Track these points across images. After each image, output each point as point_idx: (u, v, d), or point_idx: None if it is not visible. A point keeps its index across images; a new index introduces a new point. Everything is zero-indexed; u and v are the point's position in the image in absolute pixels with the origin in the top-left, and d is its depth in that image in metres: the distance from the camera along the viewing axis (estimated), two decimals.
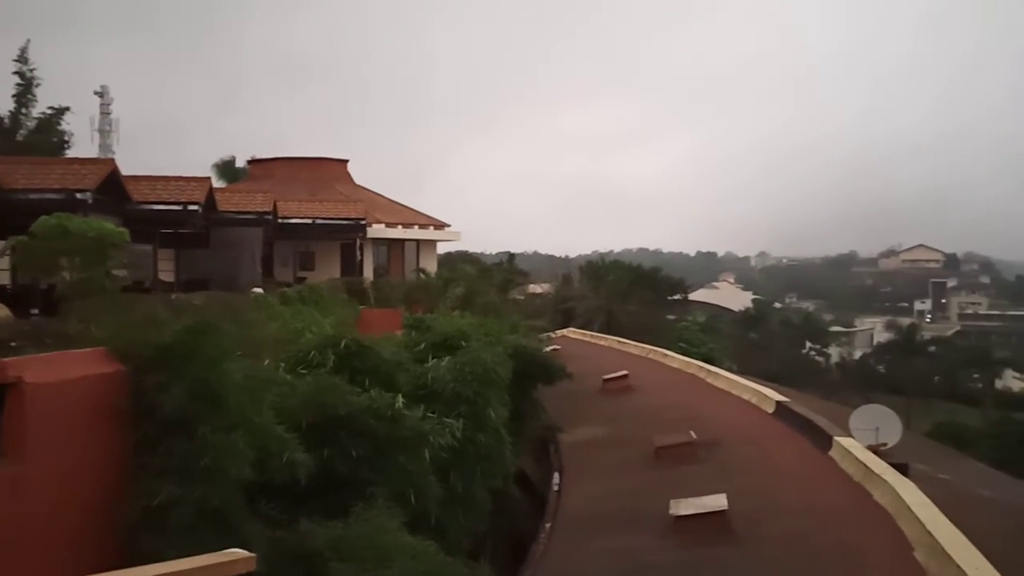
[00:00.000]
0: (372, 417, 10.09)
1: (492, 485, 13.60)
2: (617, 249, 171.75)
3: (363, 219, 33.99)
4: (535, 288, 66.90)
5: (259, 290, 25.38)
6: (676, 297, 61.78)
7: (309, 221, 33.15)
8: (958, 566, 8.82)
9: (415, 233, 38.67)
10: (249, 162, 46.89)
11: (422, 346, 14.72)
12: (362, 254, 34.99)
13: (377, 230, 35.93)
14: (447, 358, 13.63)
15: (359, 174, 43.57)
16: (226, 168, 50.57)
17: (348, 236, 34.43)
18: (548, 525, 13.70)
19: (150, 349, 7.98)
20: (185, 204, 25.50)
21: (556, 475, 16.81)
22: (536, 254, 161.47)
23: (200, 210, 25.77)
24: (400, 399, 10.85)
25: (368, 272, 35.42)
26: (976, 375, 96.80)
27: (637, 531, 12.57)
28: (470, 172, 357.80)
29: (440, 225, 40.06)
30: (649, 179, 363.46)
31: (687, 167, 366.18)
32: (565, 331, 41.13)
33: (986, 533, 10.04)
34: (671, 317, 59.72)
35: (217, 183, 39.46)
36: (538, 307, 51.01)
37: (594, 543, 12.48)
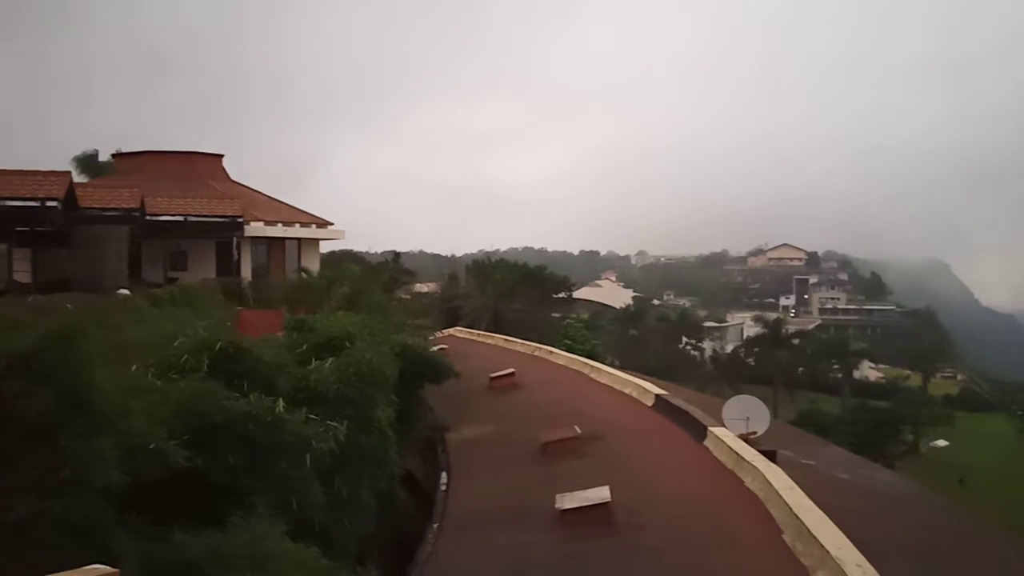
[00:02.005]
0: (251, 423, 9.71)
1: (378, 487, 13.40)
2: (503, 248, 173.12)
3: (240, 217, 32.67)
4: (421, 287, 66.47)
5: (125, 291, 23.95)
6: (561, 295, 62.91)
7: (181, 219, 31.52)
8: (822, 546, 9.39)
9: (296, 231, 37.49)
10: (115, 156, 44.02)
11: (304, 348, 14.31)
12: (239, 253, 33.59)
13: (255, 228, 34.58)
14: (331, 359, 13.30)
15: (234, 170, 41.87)
16: (89, 162, 47.31)
17: (224, 234, 32.97)
18: (435, 525, 13.63)
19: (7, 355, 7.38)
20: (43, 200, 23.73)
21: (443, 475, 16.76)
22: (422, 253, 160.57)
23: (60, 206, 24.04)
24: (281, 403, 10.49)
25: (246, 272, 34.07)
26: (836, 366, 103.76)
27: (524, 527, 12.70)
28: (352, 169, 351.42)
29: (322, 223, 39.01)
30: (533, 179, 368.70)
31: (570, 167, 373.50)
32: (452, 330, 41.07)
33: (846, 513, 10.74)
34: (556, 315, 60.75)
35: (79, 178, 36.92)
36: (424, 306, 50.70)
37: (481, 541, 12.52)
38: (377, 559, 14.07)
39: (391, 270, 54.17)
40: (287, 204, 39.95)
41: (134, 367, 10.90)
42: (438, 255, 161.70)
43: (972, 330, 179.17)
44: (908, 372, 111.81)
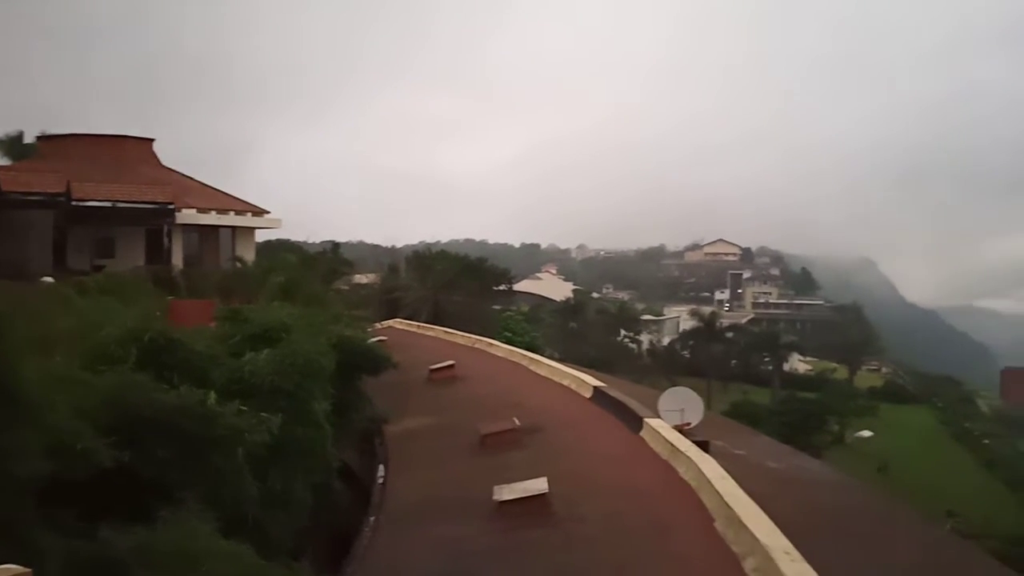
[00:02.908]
0: (181, 416, 9.46)
1: (314, 481, 13.20)
2: (444, 240, 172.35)
3: (171, 203, 31.70)
4: (361, 278, 65.77)
5: (49, 279, 23.01)
6: (501, 287, 63.05)
7: (109, 204, 30.40)
8: (752, 533, 9.66)
9: (230, 219, 36.52)
10: (39, 138, 42.13)
11: (238, 339, 13.99)
12: (170, 241, 32.60)
13: (187, 215, 33.59)
14: (266, 351, 13.03)
15: (166, 155, 40.55)
16: (12, 144, 45.12)
17: (154, 221, 31.96)
18: (373, 518, 13.52)
19: None
20: None
21: (381, 467, 16.63)
22: (361, 243, 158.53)
23: None
24: (212, 395, 10.24)
25: (177, 261, 33.09)
26: (767, 358, 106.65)
27: (462, 519, 12.71)
28: (289, 158, 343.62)
29: (258, 211, 38.10)
30: (475, 171, 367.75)
31: (511, 160, 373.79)
32: (391, 322, 40.75)
33: (775, 501, 11.07)
34: (497, 307, 60.88)
35: (1, 161, 35.25)
36: (364, 297, 50.20)
37: (419, 533, 12.48)
38: (312, 553, 13.89)
39: (329, 260, 53.42)
40: (221, 191, 38.90)
41: (58, 358, 10.48)
42: (378, 246, 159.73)
43: (896, 325, 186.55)
44: (835, 365, 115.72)
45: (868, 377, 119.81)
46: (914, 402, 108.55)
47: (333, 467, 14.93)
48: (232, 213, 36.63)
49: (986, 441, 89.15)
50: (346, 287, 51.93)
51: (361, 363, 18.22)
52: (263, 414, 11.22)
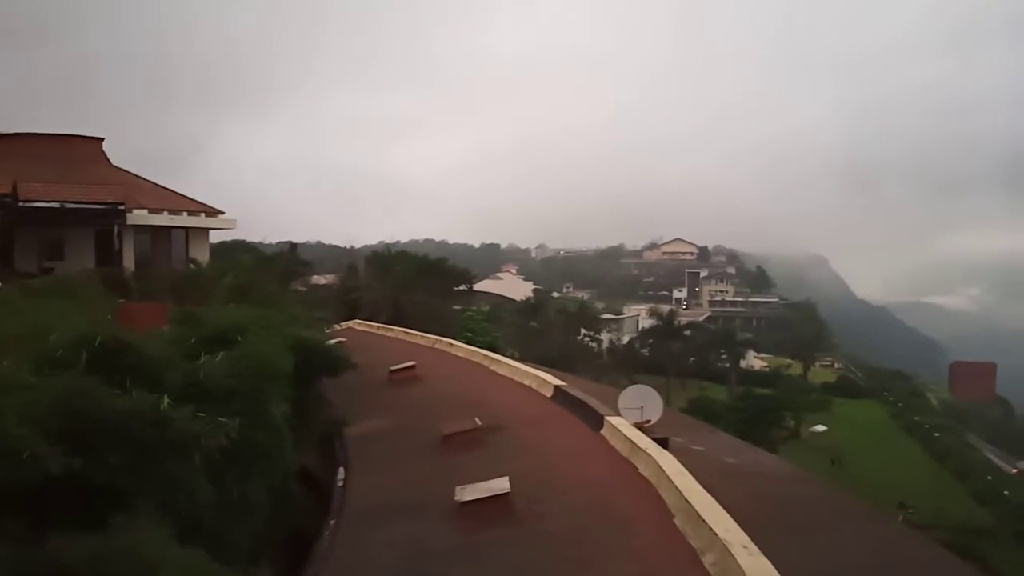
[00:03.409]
0: (133, 420, 9.22)
1: (273, 485, 13.01)
2: (404, 240, 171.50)
3: (122, 204, 30.96)
4: (319, 279, 65.15)
5: None
6: (461, 287, 62.96)
7: (57, 205, 29.59)
8: (710, 528, 9.80)
9: (183, 220, 35.79)
10: None
11: (193, 342, 13.71)
12: (121, 242, 31.85)
13: (139, 216, 32.85)
14: (221, 353, 12.80)
15: (116, 154, 39.58)
16: None
17: (104, 222, 31.19)
18: (333, 521, 13.39)
19: None
20: None
21: (341, 469, 16.46)
22: (319, 244, 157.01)
23: None
24: (165, 400, 10.02)
25: (129, 262, 32.34)
26: (724, 355, 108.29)
27: (423, 520, 12.66)
28: (244, 157, 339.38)
29: (212, 212, 37.41)
30: (434, 171, 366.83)
31: (471, 160, 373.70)
32: (351, 322, 40.37)
33: (732, 496, 11.24)
34: (457, 307, 60.73)
35: None
36: (322, 298, 49.72)
37: (380, 535, 12.39)
38: (271, 558, 13.70)
39: (287, 261, 52.79)
40: (174, 191, 38.11)
41: (5, 362, 10.16)
42: (336, 246, 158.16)
43: (848, 321, 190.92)
44: (790, 361, 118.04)
45: (821, 372, 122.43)
46: (866, 396, 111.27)
47: (292, 470, 14.73)
48: (185, 213, 35.90)
49: (936, 434, 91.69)
50: (304, 288, 51.40)
51: (320, 365, 18.02)
52: (219, 418, 11.02)
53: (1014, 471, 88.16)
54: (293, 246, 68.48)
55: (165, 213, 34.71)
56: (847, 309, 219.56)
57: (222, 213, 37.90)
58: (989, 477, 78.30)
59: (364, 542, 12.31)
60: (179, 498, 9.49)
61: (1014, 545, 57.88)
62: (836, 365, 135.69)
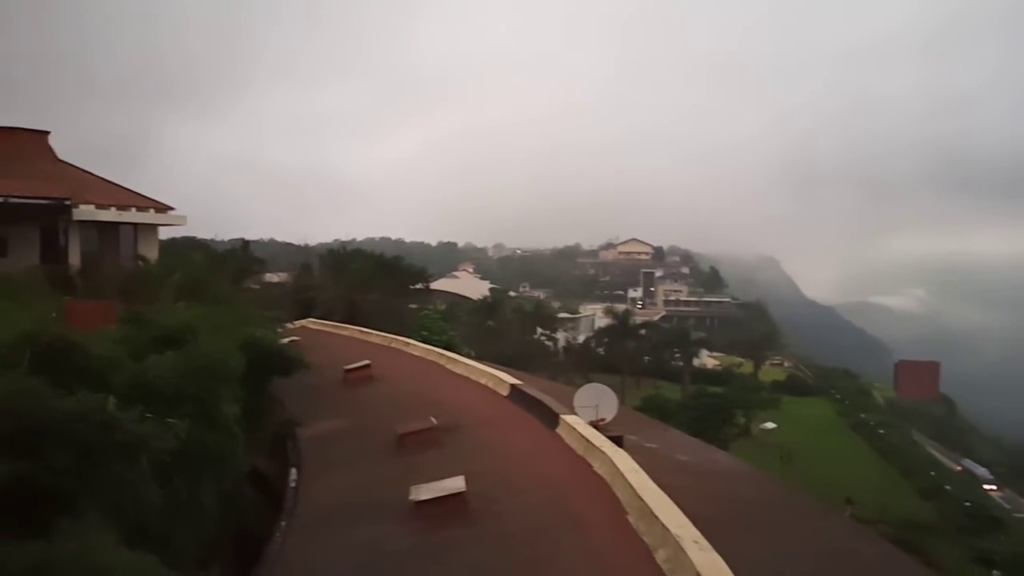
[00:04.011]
0: (79, 422, 8.99)
1: (224, 487, 12.81)
2: (359, 238, 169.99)
3: (68, 199, 30.07)
4: (272, 277, 64.18)
5: None
6: (418, 286, 62.61)
7: (0, 200, 28.64)
8: (663, 525, 9.92)
9: (132, 216, 34.88)
10: None
11: (141, 341, 13.42)
12: (67, 239, 30.94)
13: (86, 212, 31.92)
14: (170, 353, 12.55)
15: (62, 149, 38.45)
16: None
17: (50, 218, 30.26)
18: (285, 523, 13.22)
19: None
20: None
21: (294, 471, 16.26)
22: (273, 242, 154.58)
23: None
24: (112, 401, 9.78)
25: (75, 259, 31.44)
26: (678, 354, 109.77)
27: (378, 521, 12.58)
28: (196, 153, 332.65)
29: (161, 208, 36.53)
30: (391, 168, 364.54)
31: (428, 157, 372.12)
32: (305, 321, 39.86)
33: (685, 493, 11.40)
34: (413, 306, 60.39)
35: None
36: (275, 297, 48.96)
37: (333, 537, 12.28)
38: (221, 561, 13.48)
39: (239, 259, 51.86)
40: (122, 187, 37.14)
41: None
42: (290, 244, 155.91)
43: (798, 321, 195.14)
44: (741, 360, 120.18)
45: (772, 371, 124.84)
46: (814, 394, 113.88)
47: (243, 472, 14.53)
48: (133, 209, 35.00)
49: (881, 431, 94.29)
50: (257, 286, 50.55)
51: (272, 365, 17.80)
52: (168, 419, 10.80)
53: (958, 468, 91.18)
54: (245, 243, 67.28)
55: (113, 209, 33.78)
56: (797, 309, 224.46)
57: (172, 209, 37.05)
58: (932, 473, 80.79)
59: (316, 544, 12.19)
60: (127, 502, 9.28)
61: (956, 539, 59.88)
62: (786, 364, 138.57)
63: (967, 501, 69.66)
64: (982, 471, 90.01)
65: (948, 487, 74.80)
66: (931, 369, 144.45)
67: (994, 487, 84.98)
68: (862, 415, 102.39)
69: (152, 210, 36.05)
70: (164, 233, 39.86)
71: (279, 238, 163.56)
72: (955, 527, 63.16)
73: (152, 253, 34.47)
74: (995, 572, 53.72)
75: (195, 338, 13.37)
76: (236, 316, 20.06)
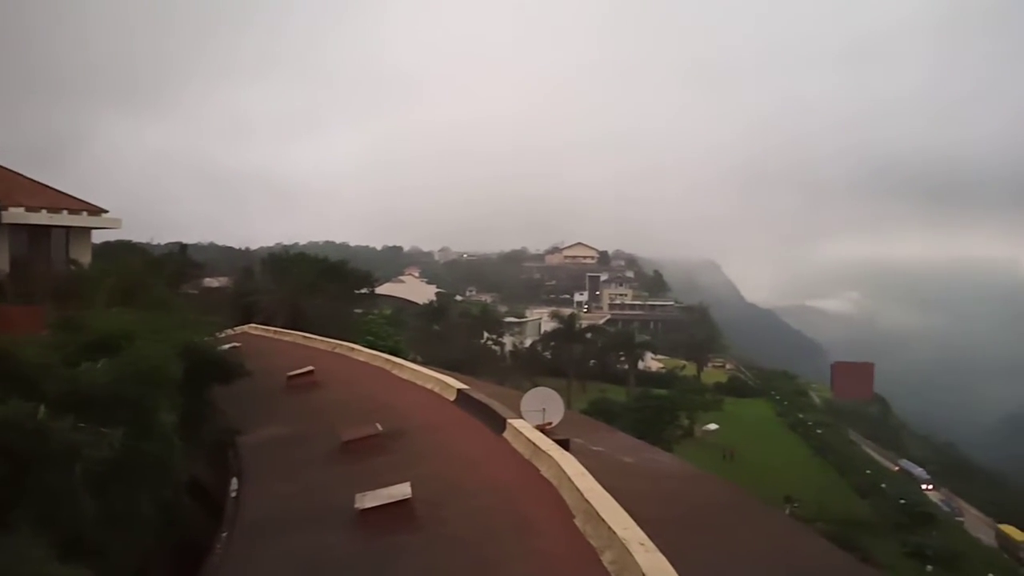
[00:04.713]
0: (9, 431, 8.65)
1: (161, 497, 12.44)
2: (302, 242, 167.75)
3: None
4: (212, 281, 62.75)
5: None
6: (363, 291, 61.90)
7: None
8: (609, 527, 10.00)
9: (64, 219, 33.66)
10: None
11: (74, 347, 12.96)
12: None
13: (15, 214, 30.72)
14: (104, 359, 12.14)
15: None
16: None
17: None
18: (225, 533, 12.90)
19: None
20: None
21: (234, 480, 15.89)
22: (212, 245, 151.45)
23: None
24: (44, 409, 9.42)
25: (3, 263, 30.21)
26: (623, 357, 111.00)
27: (322, 529, 12.37)
28: (129, 154, 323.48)
29: (95, 210, 35.35)
30: (330, 170, 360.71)
31: (371, 160, 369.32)
32: (246, 327, 39.05)
33: (631, 495, 11.52)
34: (358, 310, 59.69)
35: None
36: (215, 302, 47.87)
37: (275, 546, 12.02)
38: (160, 573, 13.08)
39: (176, 262, 50.56)
40: (53, 188, 35.87)
41: None
42: (231, 248, 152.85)
43: (738, 324, 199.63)
44: (685, 362, 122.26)
45: (714, 373, 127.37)
46: (754, 396, 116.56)
47: (182, 482, 14.15)
48: (65, 212, 33.81)
49: (819, 430, 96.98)
50: (195, 291, 49.36)
51: (211, 371, 17.39)
52: (102, 428, 10.45)
53: (896, 468, 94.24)
54: (183, 247, 65.64)
55: (44, 211, 32.58)
56: (737, 312, 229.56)
57: (106, 212, 35.90)
58: (868, 471, 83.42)
59: (258, 554, 11.92)
60: (60, 512, 8.97)
61: (891, 535, 61.97)
62: (727, 366, 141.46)
63: (902, 499, 72.11)
64: (919, 471, 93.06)
65: (883, 485, 77.30)
66: (866, 370, 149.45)
67: (931, 486, 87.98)
68: (800, 415, 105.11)
69: (85, 212, 34.88)
70: (98, 236, 38.56)
71: (219, 241, 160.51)
72: (890, 524, 65.38)
73: (85, 257, 33.34)
74: (928, 567, 55.77)
75: (130, 344, 12.96)
76: (174, 321, 19.53)
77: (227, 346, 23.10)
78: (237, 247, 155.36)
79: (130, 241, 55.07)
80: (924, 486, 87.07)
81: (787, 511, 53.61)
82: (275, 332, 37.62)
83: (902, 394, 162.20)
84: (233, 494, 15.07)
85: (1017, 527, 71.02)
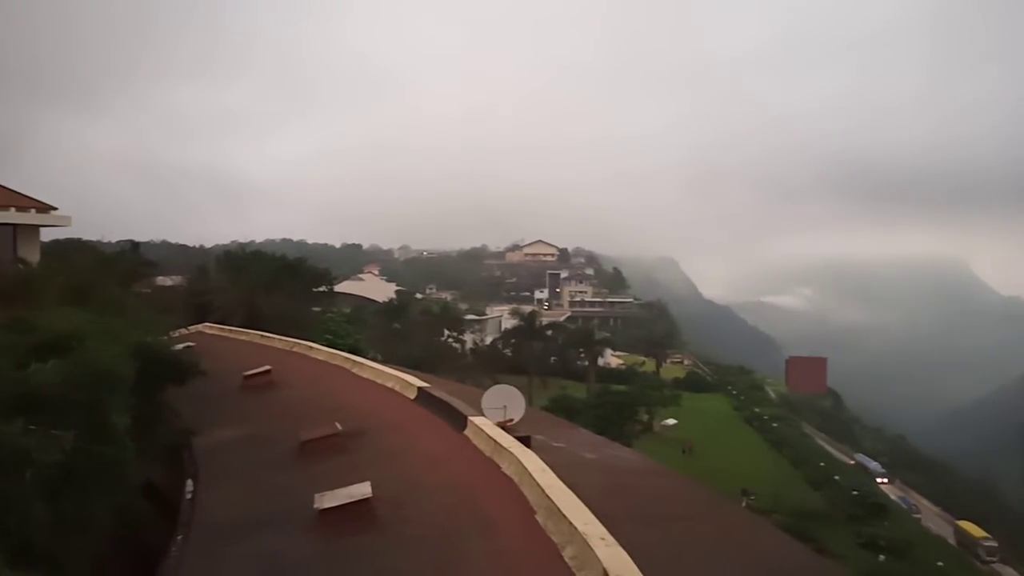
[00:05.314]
0: None
1: (115, 501, 12.17)
2: (259, 239, 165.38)
3: None
4: (165, 280, 61.56)
5: None
6: (322, 289, 61.21)
7: None
8: (570, 523, 10.07)
9: (11, 216, 32.67)
10: None
11: (23, 348, 12.60)
12: None
13: None
14: (55, 360, 11.83)
15: None
16: None
17: None
18: (180, 537, 12.68)
19: None
20: None
21: (189, 482, 15.62)
22: (166, 243, 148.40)
23: None
24: None
25: None
26: (583, 354, 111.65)
27: (280, 531, 12.23)
28: (79, 151, 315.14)
29: (44, 207, 34.38)
30: (288, 168, 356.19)
31: (330, 158, 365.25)
32: (201, 326, 38.37)
33: (591, 490, 11.60)
34: (317, 309, 59.04)
35: None
36: (169, 301, 46.92)
37: (232, 549, 11.86)
38: None
39: (128, 261, 49.45)
40: (0, 185, 34.83)
41: None
42: (185, 246, 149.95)
43: (696, 320, 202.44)
44: (644, 358, 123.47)
45: (672, 368, 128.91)
46: (712, 391, 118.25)
47: (136, 485, 13.86)
48: (13, 209, 32.82)
49: (774, 424, 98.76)
50: (148, 290, 48.32)
51: (165, 372, 17.07)
52: (53, 431, 10.18)
53: (851, 462, 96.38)
54: (135, 245, 64.17)
55: None
56: (695, 309, 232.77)
57: (55, 209, 34.95)
58: (822, 464, 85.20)
59: (215, 557, 11.74)
60: (10, 518, 8.72)
61: (845, 526, 63.44)
62: (685, 361, 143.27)
63: (855, 490, 73.83)
64: (874, 465, 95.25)
65: (837, 477, 79.01)
66: (819, 364, 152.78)
67: (886, 480, 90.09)
68: (756, 409, 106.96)
69: (33, 210, 33.91)
70: (47, 234, 37.54)
71: (172, 240, 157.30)
72: (844, 515, 66.92)
73: (33, 256, 32.40)
74: (881, 557, 57.24)
75: (81, 344, 12.65)
76: (126, 321, 19.11)
77: (181, 346, 22.70)
78: (191, 245, 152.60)
79: (80, 239, 53.70)
80: (880, 480, 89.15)
81: (744, 504, 54.56)
82: (231, 331, 37.04)
83: (854, 388, 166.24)
84: (189, 496, 14.82)
85: (969, 519, 73.24)
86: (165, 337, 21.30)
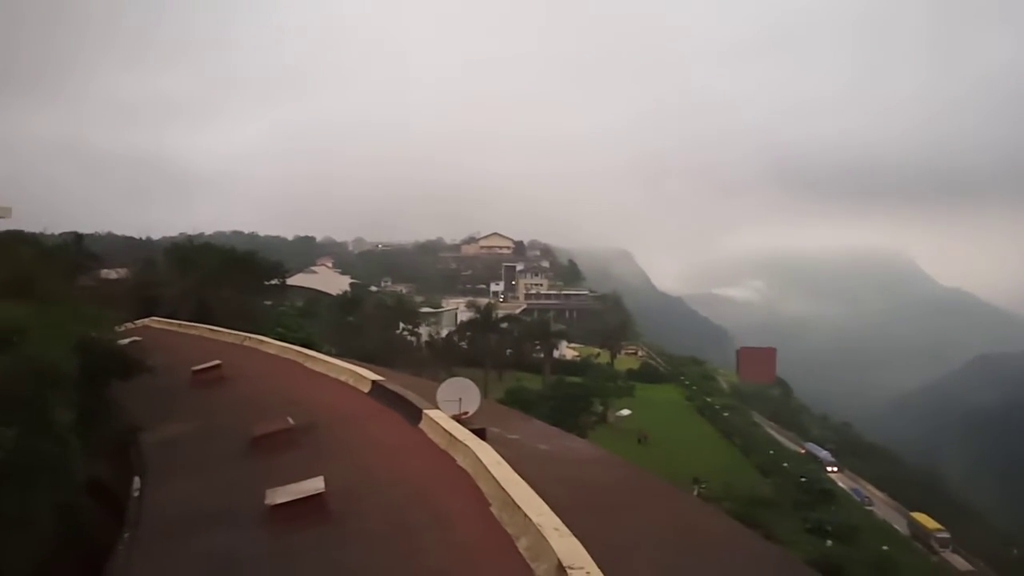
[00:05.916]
0: None
1: (59, 499, 11.85)
2: (209, 232, 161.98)
3: None
4: (110, 273, 59.93)
5: None
6: (274, 282, 60.25)
7: None
8: (525, 514, 10.12)
9: None
10: None
11: None
12: None
13: None
14: None
15: None
16: None
17: None
18: (127, 535, 12.39)
19: None
20: None
21: (137, 479, 15.27)
22: (111, 235, 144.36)
23: None
24: None
25: None
26: (539, 346, 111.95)
27: (231, 527, 12.04)
28: (18, 141, 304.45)
29: None
30: (240, 159, 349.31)
31: (279, 149, 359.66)
32: (148, 320, 37.49)
33: (546, 481, 11.68)
34: (268, 302, 58.14)
35: None
36: (114, 294, 45.68)
37: (181, 547, 11.63)
38: None
39: (71, 253, 48.04)
40: None
41: None
42: (131, 238, 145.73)
43: (650, 311, 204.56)
44: (599, 350, 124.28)
45: (627, 360, 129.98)
46: (665, 381, 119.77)
47: (80, 482, 13.50)
48: None
49: (725, 413, 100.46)
50: (93, 283, 47.01)
51: (110, 366, 16.65)
52: None
53: (801, 451, 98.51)
54: (79, 237, 62.31)
55: None
56: (649, 300, 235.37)
57: None
58: (771, 452, 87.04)
59: (163, 555, 11.51)
60: None
61: (793, 512, 64.97)
62: (639, 353, 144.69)
63: (802, 477, 75.57)
64: (824, 453, 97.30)
65: (785, 464, 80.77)
66: (769, 355, 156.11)
67: (835, 468, 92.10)
68: (708, 399, 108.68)
69: None
70: None
71: (117, 231, 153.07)
72: (792, 501, 68.50)
73: None
74: (828, 542, 58.76)
75: (22, 339, 12.25)
76: (68, 315, 18.55)
77: (127, 340, 22.14)
78: (138, 237, 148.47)
79: (21, 231, 51.92)
80: (829, 468, 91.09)
81: (695, 492, 55.47)
82: (179, 325, 36.29)
83: (802, 378, 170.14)
84: (136, 494, 14.49)
85: (913, 504, 75.47)
86: (110, 332, 20.72)
